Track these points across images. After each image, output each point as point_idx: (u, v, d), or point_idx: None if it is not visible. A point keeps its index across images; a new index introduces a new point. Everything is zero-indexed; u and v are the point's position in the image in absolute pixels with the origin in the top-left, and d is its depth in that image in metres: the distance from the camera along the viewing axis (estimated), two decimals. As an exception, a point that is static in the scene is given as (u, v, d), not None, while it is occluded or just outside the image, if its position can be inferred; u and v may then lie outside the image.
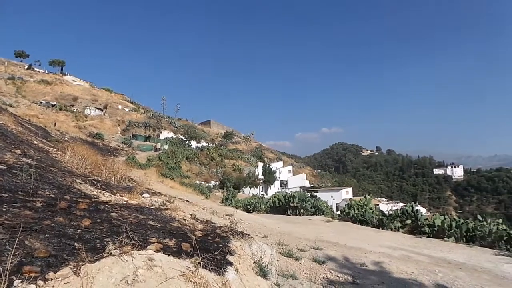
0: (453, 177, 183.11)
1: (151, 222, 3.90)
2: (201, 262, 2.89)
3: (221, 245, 3.76)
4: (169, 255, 2.81)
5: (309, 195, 17.12)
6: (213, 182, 41.76)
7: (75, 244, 2.41)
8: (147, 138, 54.23)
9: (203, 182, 37.88)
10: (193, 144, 56.48)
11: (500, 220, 10.56)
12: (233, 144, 67.74)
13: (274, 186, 51.83)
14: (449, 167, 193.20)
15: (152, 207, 5.08)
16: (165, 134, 59.34)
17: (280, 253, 6.02)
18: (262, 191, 48.28)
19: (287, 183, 57.33)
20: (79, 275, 2.02)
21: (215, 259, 3.23)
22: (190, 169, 42.41)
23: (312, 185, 62.57)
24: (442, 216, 10.70)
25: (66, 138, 27.85)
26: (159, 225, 3.90)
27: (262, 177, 49.90)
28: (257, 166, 52.96)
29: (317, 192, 42.97)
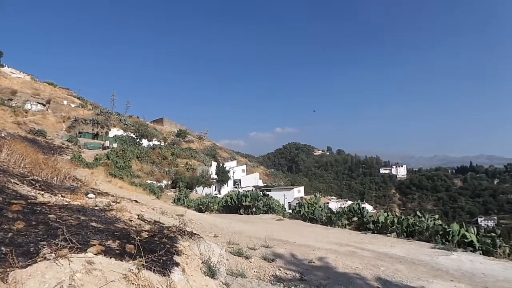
0: (397, 176, 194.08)
1: (93, 224, 3.73)
2: (146, 264, 2.81)
3: (168, 246, 3.68)
4: (111, 257, 2.71)
5: (262, 194, 17.29)
6: (165, 182, 40.84)
7: (3, 248, 2.24)
8: (95, 136, 51.79)
9: (154, 182, 36.93)
10: (145, 142, 54.84)
11: (437, 216, 11.34)
12: (187, 143, 66.70)
13: (227, 186, 51.76)
14: (394, 166, 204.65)
15: (96, 208, 4.86)
16: (115, 131, 56.99)
17: (230, 252, 6.02)
18: (215, 190, 48.03)
19: (240, 182, 57.52)
20: (7, 282, 1.88)
21: (161, 260, 3.16)
22: (141, 168, 41.17)
23: (265, 184, 63.32)
24: (386, 213, 11.30)
25: (3, 135, 25.83)
26: (102, 226, 3.74)
27: (216, 176, 49.66)
28: (211, 165, 52.62)
29: (270, 191, 43.56)
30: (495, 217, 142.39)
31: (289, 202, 44.11)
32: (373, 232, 10.76)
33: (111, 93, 76.96)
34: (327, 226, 11.96)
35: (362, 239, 9.34)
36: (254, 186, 51.36)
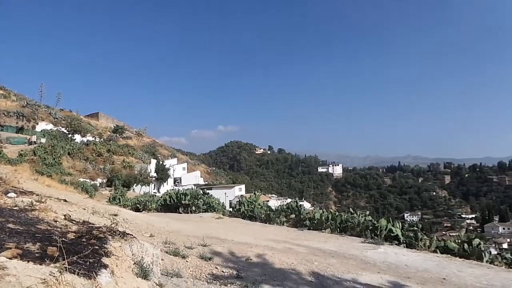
0: (334, 175, 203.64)
1: (11, 225, 3.41)
2: (69, 267, 2.61)
3: (97, 247, 3.47)
4: (28, 261, 2.48)
5: (202, 192, 17.11)
6: (99, 180, 38.73)
7: None
8: (20, 130, 47.50)
9: (88, 180, 34.84)
10: (77, 138, 51.45)
11: (368, 212, 12.07)
12: (124, 139, 63.79)
13: (167, 184, 50.49)
14: (331, 165, 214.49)
15: (15, 208, 4.45)
16: (43, 125, 52.76)
17: (166, 252, 5.87)
18: (154, 189, 46.60)
19: (181, 181, 56.44)
20: None
21: (88, 263, 2.96)
22: (73, 165, 38.60)
23: (206, 183, 62.77)
24: (321, 210, 11.79)
25: None
26: (21, 228, 3.43)
27: (155, 174, 48.18)
28: (150, 163, 50.92)
29: (211, 190, 43.25)
30: (419, 213, 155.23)
31: (230, 201, 44.19)
32: (309, 229, 11.14)
33: (40, 85, 70.96)
34: (266, 223, 12.16)
35: (298, 236, 9.64)
36: (195, 185, 50.67)
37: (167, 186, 48.35)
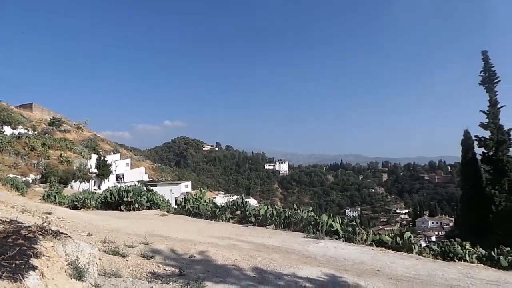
0: (280, 172, 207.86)
1: None
2: (-9, 270, 2.41)
3: (25, 248, 3.24)
4: None
5: (146, 189, 16.59)
6: (32, 176, 36.11)
7: None
8: None
9: (18, 176, 32.26)
10: (7, 130, 47.37)
11: (310, 208, 12.46)
12: (62, 132, 59.79)
13: (108, 180, 48.26)
14: (278, 163, 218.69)
15: None
16: (-34, 117, 47.94)
17: (105, 251, 5.63)
18: (94, 185, 44.34)
19: (123, 177, 54.28)
20: None
21: (13, 264, 2.76)
22: (1, 160, 35.57)
23: (151, 179, 60.95)
24: (266, 206, 11.98)
25: None
26: None
27: (95, 170, 45.88)
28: (90, 158, 48.40)
29: (156, 186, 42.10)
30: (359, 208, 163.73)
31: (175, 198, 43.34)
32: (254, 225, 11.28)
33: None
34: (211, 220, 12.10)
35: (243, 232, 9.72)
36: (138, 181, 48.95)
37: (109, 183, 46.22)
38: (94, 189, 38.77)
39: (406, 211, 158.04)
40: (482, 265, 8.05)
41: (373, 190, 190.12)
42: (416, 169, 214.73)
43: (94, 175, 45.09)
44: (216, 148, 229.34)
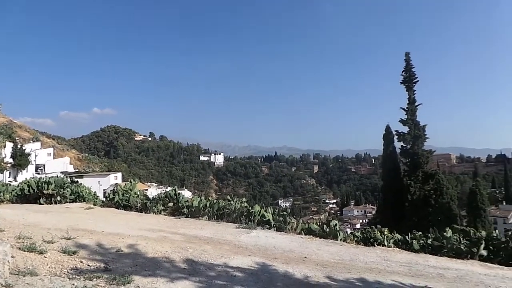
0: (215, 163, 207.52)
1: None
2: None
3: None
4: None
5: (70, 180, 15.49)
6: None
7: None
8: None
9: None
10: None
11: (244, 199, 12.63)
12: (-31, 118, 53.40)
13: (27, 171, 44.32)
14: (213, 154, 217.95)
15: None
16: None
17: (19, 248, 5.16)
18: (10, 177, 40.42)
19: (44, 168, 50.25)
20: None
21: None
22: None
23: (76, 170, 57.15)
24: (199, 198, 11.89)
25: None
26: None
27: (11, 160, 41.79)
28: (4, 146, 43.92)
29: (82, 178, 39.60)
30: (291, 199, 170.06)
31: (104, 190, 41.17)
32: (187, 217, 11.14)
33: None
34: (141, 212, 11.72)
35: (175, 224, 9.55)
36: (62, 172, 45.60)
37: (27, 174, 42.43)
38: (9, 181, 35.36)
39: (335, 201, 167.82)
40: (397, 249, 8.81)
41: (304, 181, 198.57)
42: (344, 161, 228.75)
43: (9, 165, 41.04)
44: (150, 138, 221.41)
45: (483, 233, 9.18)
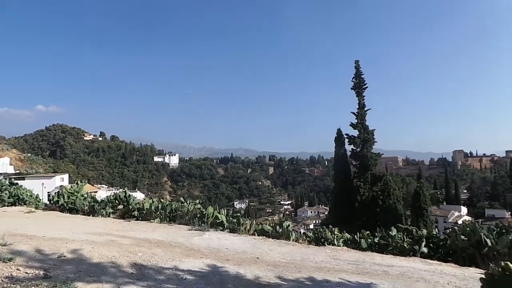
0: (170, 165, 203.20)
1: None
2: None
3: None
4: None
5: (9, 182, 14.44)
6: None
7: None
8: None
9: None
10: None
11: (198, 201, 12.47)
12: None
13: (-40, 173, 40.71)
14: (167, 155, 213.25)
15: None
16: None
17: None
18: None
19: (-19, 169, 46.42)
20: None
21: None
22: None
23: (17, 171, 53.46)
24: (151, 200, 11.57)
25: None
26: None
27: None
28: None
29: (24, 180, 37.11)
30: (247, 200, 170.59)
31: (48, 192, 38.76)
32: (137, 219, 10.79)
33: None
34: (89, 216, 11.17)
35: (124, 227, 9.21)
36: (0, 174, 42.43)
37: (-40, 176, 39.00)
38: None
39: (289, 202, 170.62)
40: (346, 248, 9.13)
41: (260, 183, 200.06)
42: (299, 163, 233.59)
43: None
44: (100, 138, 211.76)
45: (425, 231, 9.76)
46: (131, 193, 12.79)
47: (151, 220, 10.53)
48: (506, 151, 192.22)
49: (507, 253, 7.45)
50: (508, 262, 1.34)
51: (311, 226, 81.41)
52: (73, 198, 12.01)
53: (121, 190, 13.45)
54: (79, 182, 13.29)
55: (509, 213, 69.14)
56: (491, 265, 1.44)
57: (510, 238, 7.50)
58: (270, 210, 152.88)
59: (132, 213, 11.13)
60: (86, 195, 12.59)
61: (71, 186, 13.03)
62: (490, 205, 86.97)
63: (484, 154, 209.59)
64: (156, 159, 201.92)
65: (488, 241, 7.53)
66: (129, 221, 10.45)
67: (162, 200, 12.12)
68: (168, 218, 10.72)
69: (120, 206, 11.65)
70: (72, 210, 11.70)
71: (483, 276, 1.42)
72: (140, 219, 10.84)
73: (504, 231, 8.18)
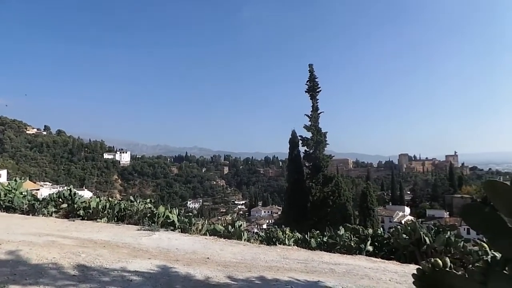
0: (121, 162, 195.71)
1: None
2: None
3: None
4: None
5: None
6: None
7: None
8: None
9: None
10: None
11: (149, 200, 12.13)
12: None
13: None
14: (119, 152, 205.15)
15: None
16: None
17: None
18: None
19: None
20: None
21: None
22: None
23: (-51, 166, 48.84)
24: (98, 198, 11.06)
25: None
26: None
27: None
28: None
29: (-45, 175, 34.02)
30: (201, 200, 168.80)
31: (-16, 189, 35.91)
32: (83, 219, 10.27)
33: None
34: (28, 215, 10.45)
35: (67, 227, 8.73)
36: None
37: None
38: None
39: (243, 202, 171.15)
40: (297, 247, 9.30)
41: (214, 182, 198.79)
42: (254, 163, 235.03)
43: None
44: (44, 132, 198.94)
45: (370, 230, 10.21)
46: (77, 191, 12.15)
47: (98, 220, 10.07)
48: (446, 156, 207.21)
49: (443, 251, 8.00)
50: (438, 259, 1.42)
51: (264, 226, 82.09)
52: (10, 196, 11.17)
53: (66, 188, 12.73)
54: (17, 179, 12.38)
55: (447, 213, 74.51)
56: (422, 262, 1.52)
57: (446, 236, 8.04)
58: (224, 210, 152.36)
59: (77, 213, 10.57)
60: (25, 193, 11.77)
61: (9, 183, 12.11)
62: (431, 205, 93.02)
63: (426, 158, 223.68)
64: (106, 156, 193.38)
65: (427, 239, 8.02)
66: (73, 220, 9.92)
67: (110, 199, 11.63)
68: (116, 218, 10.32)
69: (64, 205, 11.01)
70: (9, 208, 10.88)
71: (415, 272, 1.49)
72: (85, 218, 10.32)
73: (441, 230, 8.74)
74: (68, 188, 11.80)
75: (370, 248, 9.01)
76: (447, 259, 1.45)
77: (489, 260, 1.33)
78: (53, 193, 11.97)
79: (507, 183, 1.14)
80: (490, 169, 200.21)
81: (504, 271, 1.23)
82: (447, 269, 1.41)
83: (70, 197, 11.18)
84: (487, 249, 6.06)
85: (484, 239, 5.88)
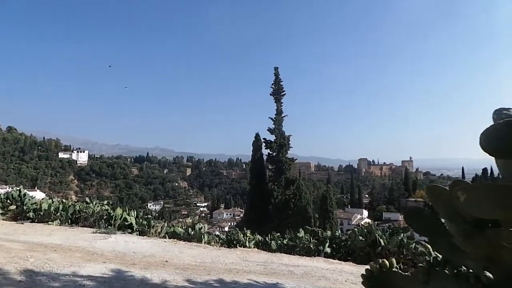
0: (77, 162, 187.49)
1: None
2: None
3: None
4: None
5: None
6: None
7: None
8: None
9: None
10: None
11: (106, 201, 11.71)
12: None
13: None
14: (75, 151, 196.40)
15: None
16: None
17: None
18: None
19: None
20: None
21: None
22: None
23: None
24: (50, 200, 10.53)
25: None
26: None
27: None
28: None
29: None
30: (162, 202, 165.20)
31: None
32: (33, 221, 9.73)
33: None
34: (-29, 217, 9.76)
35: (15, 230, 8.23)
36: None
37: None
38: None
39: (206, 204, 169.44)
40: (257, 249, 9.35)
41: (176, 184, 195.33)
42: (217, 165, 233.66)
43: None
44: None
45: (329, 233, 10.47)
46: (28, 192, 11.48)
47: (50, 222, 9.58)
48: (402, 161, 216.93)
49: (397, 252, 8.36)
50: (385, 259, 1.48)
51: (226, 228, 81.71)
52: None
53: (15, 188, 12.00)
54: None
55: (402, 216, 77.90)
56: (370, 263, 1.58)
57: (400, 238, 8.41)
58: (186, 212, 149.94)
59: (27, 215, 10.00)
60: (-31, 194, 10.97)
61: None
62: (387, 208, 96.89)
63: (384, 162, 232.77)
64: (61, 155, 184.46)
65: (382, 241, 8.34)
66: (22, 223, 9.36)
67: (64, 201, 11.11)
68: (70, 220, 9.88)
69: (13, 207, 10.37)
70: (-51, 210, 10.10)
71: (363, 272, 1.55)
72: (36, 221, 9.80)
73: (395, 232, 9.13)
74: (18, 188, 11.13)
75: (328, 250, 9.23)
76: (394, 260, 1.51)
77: (431, 260, 1.41)
78: (0, 194, 11.24)
79: (446, 188, 1.21)
80: (442, 174, 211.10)
81: (445, 271, 1.32)
82: (394, 269, 1.48)
83: (19, 198, 10.54)
84: (431, 250, 6.41)
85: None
